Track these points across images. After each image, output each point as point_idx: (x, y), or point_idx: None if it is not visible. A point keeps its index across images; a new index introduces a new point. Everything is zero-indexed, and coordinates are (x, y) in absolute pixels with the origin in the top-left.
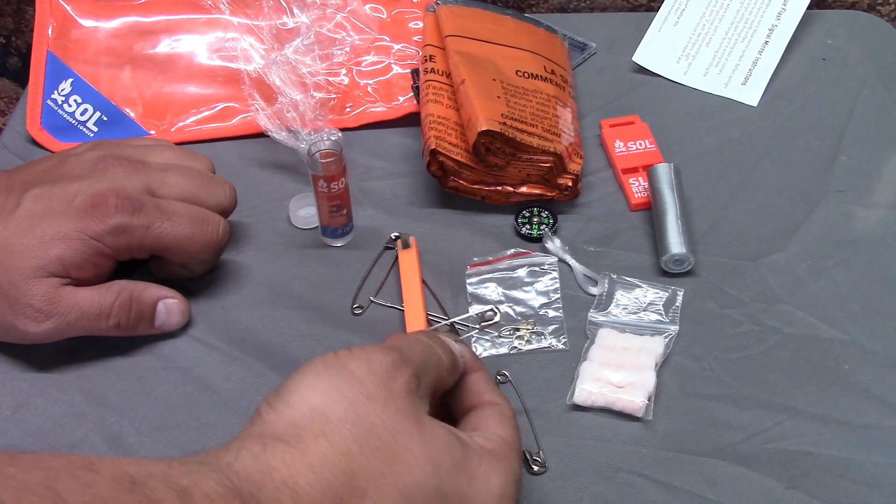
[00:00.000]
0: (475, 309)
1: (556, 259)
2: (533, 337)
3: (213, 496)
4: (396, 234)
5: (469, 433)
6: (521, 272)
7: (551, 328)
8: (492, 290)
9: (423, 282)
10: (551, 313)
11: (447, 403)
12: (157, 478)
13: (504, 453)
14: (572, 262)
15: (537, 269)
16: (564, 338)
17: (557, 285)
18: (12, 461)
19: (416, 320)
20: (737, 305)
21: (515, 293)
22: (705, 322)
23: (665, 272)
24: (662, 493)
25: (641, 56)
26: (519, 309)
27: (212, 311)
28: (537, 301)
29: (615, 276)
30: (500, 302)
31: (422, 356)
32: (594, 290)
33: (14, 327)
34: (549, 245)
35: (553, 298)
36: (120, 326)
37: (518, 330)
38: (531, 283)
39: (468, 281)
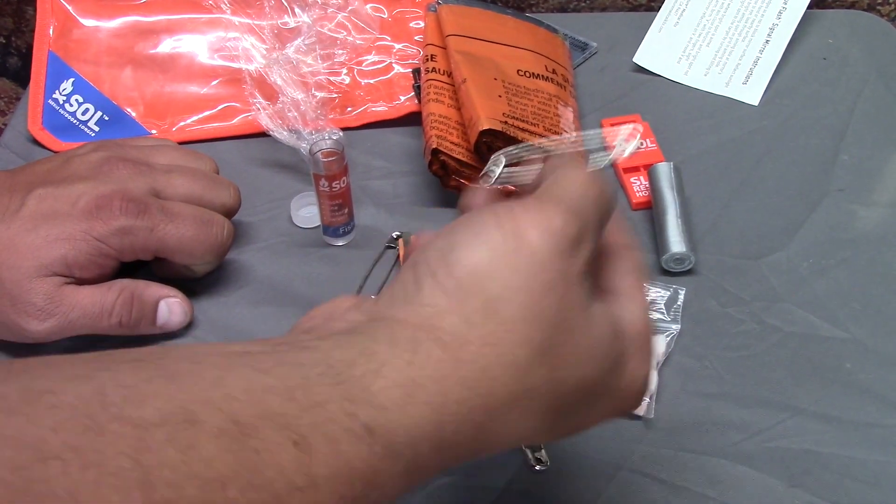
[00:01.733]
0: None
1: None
2: None
3: (339, 438)
4: (398, 233)
5: (616, 306)
6: None
7: None
8: None
9: None
10: None
11: None
12: (272, 422)
13: (647, 343)
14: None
15: None
16: None
17: None
18: (103, 403)
19: None
20: (738, 304)
21: None
22: (706, 321)
23: (666, 271)
24: (664, 491)
25: (642, 57)
26: None
27: (213, 309)
28: None
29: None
30: None
31: (597, 216)
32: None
33: (16, 326)
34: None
35: None
36: (122, 325)
37: None
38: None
39: None
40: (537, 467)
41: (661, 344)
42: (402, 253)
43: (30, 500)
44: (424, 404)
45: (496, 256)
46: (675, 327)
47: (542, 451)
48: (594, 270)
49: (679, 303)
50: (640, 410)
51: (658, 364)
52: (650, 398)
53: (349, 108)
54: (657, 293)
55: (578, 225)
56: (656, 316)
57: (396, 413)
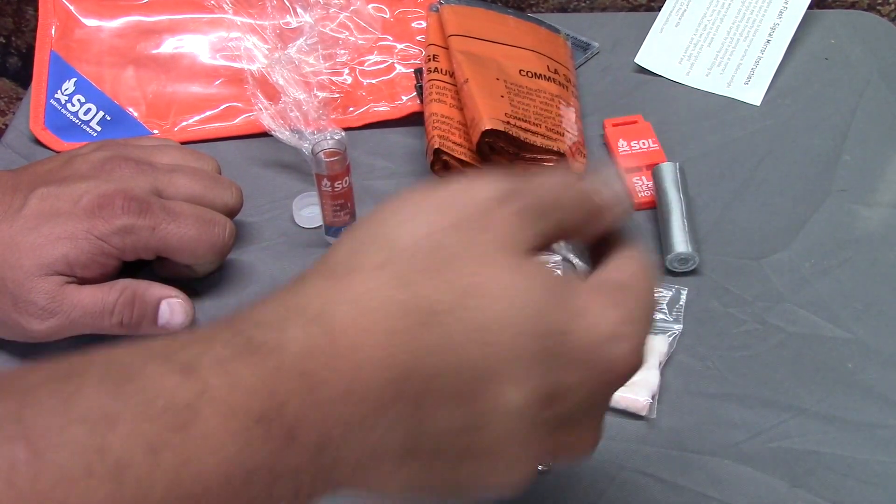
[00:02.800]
0: None
1: (577, 264)
2: None
3: (224, 360)
4: None
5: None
6: None
7: None
8: None
9: None
10: None
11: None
12: (156, 361)
13: (618, 295)
14: (576, 260)
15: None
16: None
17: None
18: None
19: None
20: (740, 304)
21: None
22: (709, 321)
23: (669, 271)
24: (666, 491)
25: (643, 58)
26: None
27: (215, 310)
28: None
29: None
30: None
31: (552, 192)
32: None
33: (18, 325)
34: (554, 245)
35: None
36: (123, 325)
37: None
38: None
39: None
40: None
41: (663, 344)
42: None
43: None
44: (310, 311)
45: (402, 206)
46: (678, 327)
47: None
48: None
49: (681, 303)
50: (643, 410)
51: (661, 364)
52: (653, 398)
53: (351, 108)
54: (659, 293)
55: (504, 186)
56: (657, 316)
57: (278, 320)
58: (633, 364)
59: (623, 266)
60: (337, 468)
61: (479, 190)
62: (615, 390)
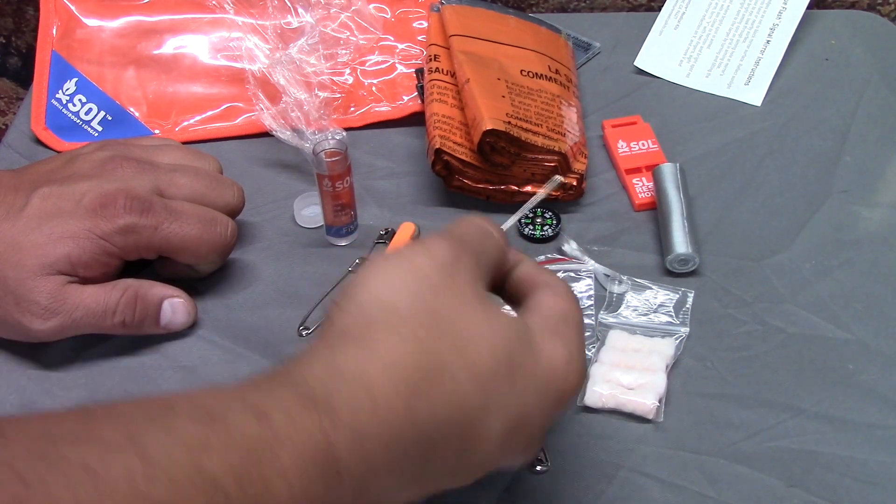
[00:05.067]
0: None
1: (592, 265)
2: None
3: (292, 412)
4: (386, 228)
5: (528, 304)
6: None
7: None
8: None
9: None
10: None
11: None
12: (235, 406)
13: (561, 327)
14: (591, 262)
15: (573, 274)
16: (594, 347)
17: (592, 292)
18: (87, 417)
19: None
20: (741, 305)
21: None
22: (709, 322)
23: (670, 272)
24: (664, 491)
25: (643, 60)
26: None
27: (217, 309)
28: None
29: (626, 278)
30: None
31: (479, 240)
32: (617, 289)
33: (20, 324)
34: (565, 247)
35: (586, 305)
36: (125, 324)
37: None
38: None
39: None
40: (538, 468)
41: (670, 347)
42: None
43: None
44: (352, 374)
45: (387, 275)
46: (684, 330)
47: (543, 452)
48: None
49: (688, 305)
50: (650, 414)
51: (667, 367)
52: (659, 401)
53: (352, 108)
54: (665, 296)
55: (453, 244)
56: (664, 319)
57: (331, 381)
58: (580, 384)
59: (554, 300)
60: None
61: (438, 253)
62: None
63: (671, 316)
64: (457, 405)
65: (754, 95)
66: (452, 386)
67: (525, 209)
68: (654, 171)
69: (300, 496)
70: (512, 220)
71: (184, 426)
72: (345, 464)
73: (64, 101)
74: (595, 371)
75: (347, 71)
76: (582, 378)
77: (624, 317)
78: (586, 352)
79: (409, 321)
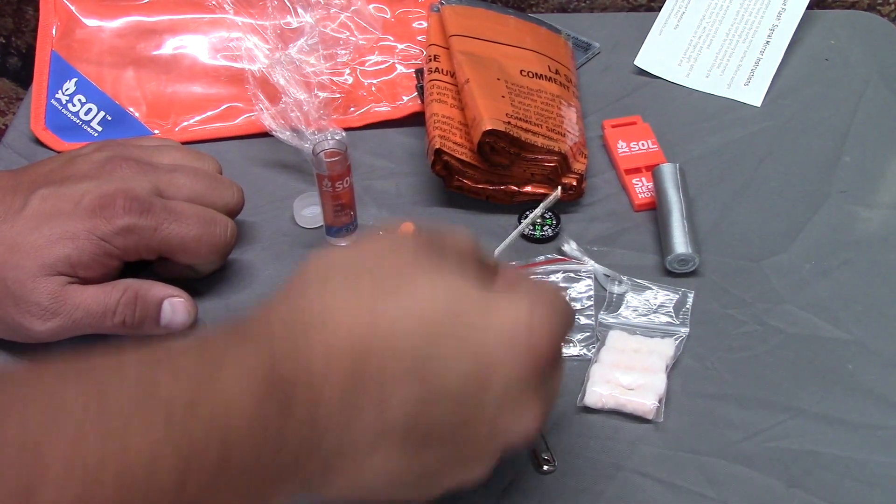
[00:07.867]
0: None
1: (591, 266)
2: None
3: (235, 347)
4: (386, 228)
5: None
6: (556, 277)
7: (582, 336)
8: None
9: None
10: (583, 320)
11: None
12: (179, 349)
13: (530, 293)
14: (591, 263)
15: (573, 274)
16: (594, 347)
17: (592, 292)
18: (42, 372)
19: None
20: (740, 306)
21: None
22: (709, 322)
23: (669, 272)
24: (663, 491)
25: (643, 60)
26: None
27: (216, 310)
28: None
29: (626, 278)
30: None
31: (442, 230)
32: (617, 289)
33: (20, 326)
34: (565, 247)
35: (586, 305)
36: (125, 325)
37: None
38: (564, 290)
39: None
40: (545, 468)
41: (670, 347)
42: None
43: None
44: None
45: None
46: (684, 331)
47: (549, 452)
48: None
49: (688, 306)
50: (650, 414)
51: (667, 368)
52: (659, 402)
53: (352, 109)
54: (665, 296)
55: (406, 232)
56: (664, 319)
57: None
58: (553, 338)
59: (507, 272)
60: (325, 443)
61: (387, 237)
62: (545, 367)
63: (671, 316)
64: (399, 341)
65: (754, 96)
66: (394, 323)
67: (522, 228)
68: (653, 171)
69: (252, 417)
70: (508, 241)
71: (134, 369)
72: (293, 389)
73: (63, 102)
74: (595, 371)
75: (347, 71)
76: (554, 333)
77: (624, 317)
78: (584, 349)
79: (361, 273)
